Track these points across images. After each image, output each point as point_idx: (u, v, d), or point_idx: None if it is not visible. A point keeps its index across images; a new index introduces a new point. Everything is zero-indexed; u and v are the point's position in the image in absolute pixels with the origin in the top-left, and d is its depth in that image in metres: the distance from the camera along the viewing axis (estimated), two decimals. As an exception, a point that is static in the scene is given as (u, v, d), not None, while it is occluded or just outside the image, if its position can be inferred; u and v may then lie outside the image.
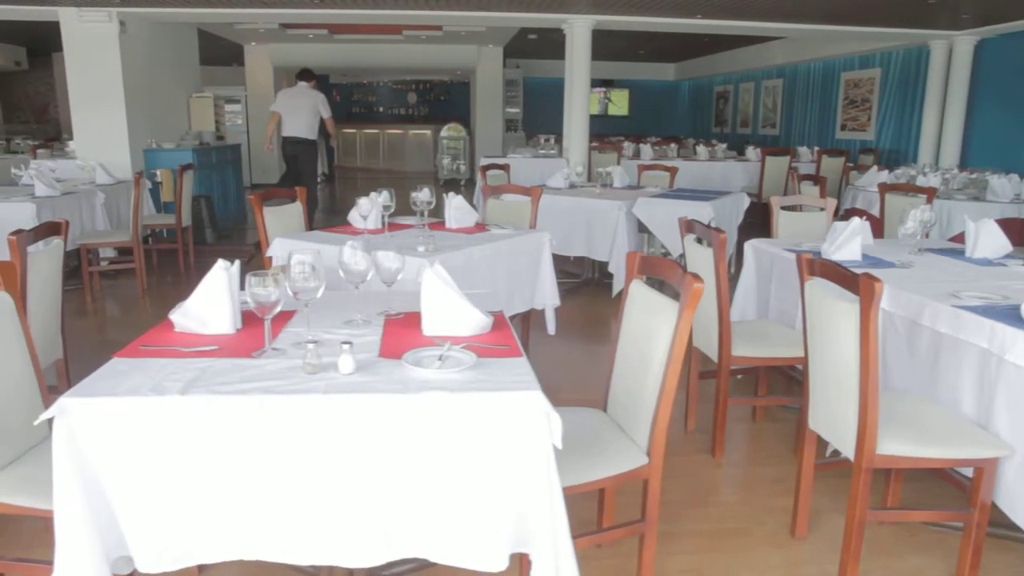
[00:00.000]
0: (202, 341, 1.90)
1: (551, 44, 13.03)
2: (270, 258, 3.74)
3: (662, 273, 2.16)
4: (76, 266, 6.02)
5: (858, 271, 2.10)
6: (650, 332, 2.06)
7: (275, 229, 4.10)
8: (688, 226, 3.23)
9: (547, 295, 3.90)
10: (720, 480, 3.04)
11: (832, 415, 2.31)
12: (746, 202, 5.86)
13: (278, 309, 1.78)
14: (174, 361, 1.75)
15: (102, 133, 7.24)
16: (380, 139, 17.15)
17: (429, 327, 1.97)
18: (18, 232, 2.77)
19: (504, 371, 1.71)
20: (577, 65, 7.70)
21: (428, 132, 16.51)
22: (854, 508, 2.19)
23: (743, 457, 3.24)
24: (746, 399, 3.56)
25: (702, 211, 5.15)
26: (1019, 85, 8.01)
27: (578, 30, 7.64)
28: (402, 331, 2.01)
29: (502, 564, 1.64)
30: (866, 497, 2.18)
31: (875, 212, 5.99)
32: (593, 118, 17.20)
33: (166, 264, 6.91)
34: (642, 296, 2.20)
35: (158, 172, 7.33)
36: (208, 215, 7.50)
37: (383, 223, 3.76)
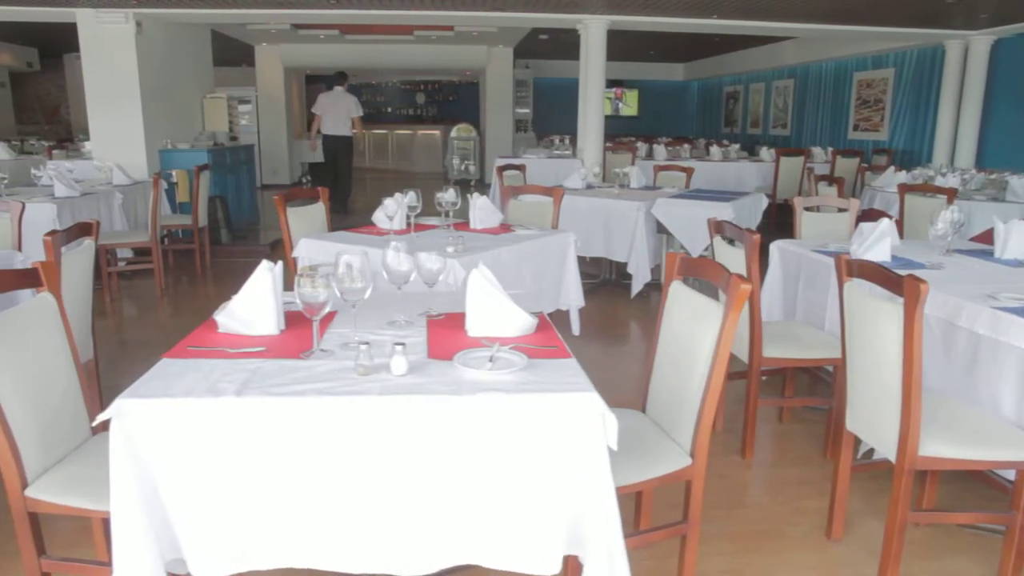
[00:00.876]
0: (248, 342, 1.90)
1: (562, 45, 13.01)
2: (295, 259, 3.75)
3: (705, 274, 2.16)
4: (93, 266, 6.03)
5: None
6: (694, 333, 2.05)
7: (298, 229, 4.11)
8: (718, 227, 3.22)
9: (572, 296, 3.90)
10: (751, 481, 3.04)
11: (872, 417, 2.30)
12: (764, 203, 5.85)
13: (327, 310, 1.78)
14: (224, 362, 1.75)
15: (118, 133, 7.26)
16: (388, 139, 17.17)
17: (474, 328, 1.97)
18: (53, 233, 2.78)
19: (555, 372, 1.71)
20: (592, 66, 7.69)
21: (437, 132, 16.51)
22: (896, 510, 2.18)
23: (772, 458, 3.23)
24: (774, 400, 3.55)
25: (722, 212, 5.13)
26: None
27: (593, 30, 7.62)
28: (446, 332, 2.01)
29: (555, 567, 1.64)
30: (908, 499, 2.17)
31: (893, 213, 5.97)
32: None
33: (182, 265, 6.93)
34: (684, 297, 2.20)
35: (174, 173, 7.34)
36: (223, 216, 7.51)
37: (408, 223, 3.76)
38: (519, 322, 1.97)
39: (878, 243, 3.25)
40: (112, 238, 5.88)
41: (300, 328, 2.02)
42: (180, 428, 1.53)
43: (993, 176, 5.85)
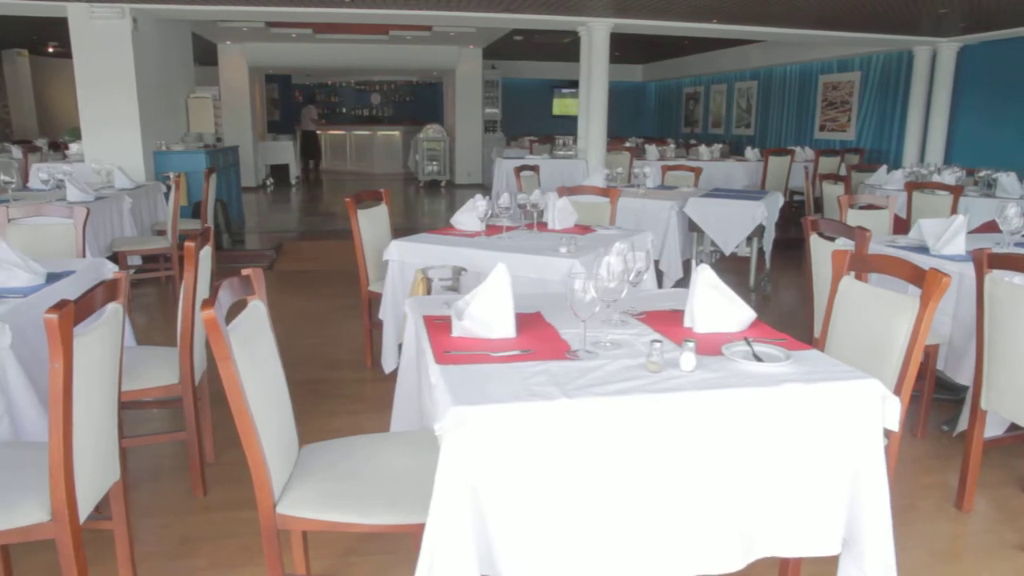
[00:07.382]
0: (501, 345, 1.92)
1: (531, 46, 13.13)
2: (386, 262, 3.74)
3: (886, 269, 2.32)
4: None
5: None
6: (885, 325, 2.20)
7: (366, 231, 4.10)
8: (814, 225, 3.41)
9: (652, 293, 4.02)
10: (860, 462, 3.23)
11: (1019, 394, 2.52)
12: (781, 201, 6.14)
13: (597, 309, 1.84)
14: (505, 366, 1.76)
15: (114, 135, 6.94)
16: (346, 140, 16.85)
17: (701, 323, 2.06)
18: (193, 237, 2.71)
19: (816, 362, 1.82)
20: (596, 68, 7.83)
21: (397, 133, 16.32)
22: (1047, 479, 2.40)
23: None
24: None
25: (756, 210, 5.38)
26: (998, 88, 8.64)
27: (596, 33, 7.77)
28: (669, 328, 2.09)
29: (837, 547, 1.75)
30: (1058, 469, 2.39)
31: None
32: (557, 118, 17.36)
33: (188, 270, 6.68)
34: (858, 292, 2.35)
35: (171, 175, 7.07)
36: (224, 219, 7.29)
37: (498, 225, 3.80)
38: (742, 316, 2.08)
39: (954, 238, 3.53)
40: (126, 244, 5.64)
41: (529, 330, 2.06)
42: (509, 434, 1.54)
43: (982, 174, 6.32)
